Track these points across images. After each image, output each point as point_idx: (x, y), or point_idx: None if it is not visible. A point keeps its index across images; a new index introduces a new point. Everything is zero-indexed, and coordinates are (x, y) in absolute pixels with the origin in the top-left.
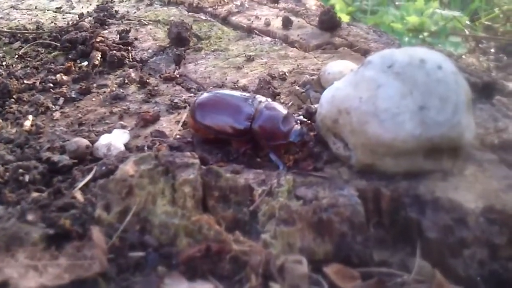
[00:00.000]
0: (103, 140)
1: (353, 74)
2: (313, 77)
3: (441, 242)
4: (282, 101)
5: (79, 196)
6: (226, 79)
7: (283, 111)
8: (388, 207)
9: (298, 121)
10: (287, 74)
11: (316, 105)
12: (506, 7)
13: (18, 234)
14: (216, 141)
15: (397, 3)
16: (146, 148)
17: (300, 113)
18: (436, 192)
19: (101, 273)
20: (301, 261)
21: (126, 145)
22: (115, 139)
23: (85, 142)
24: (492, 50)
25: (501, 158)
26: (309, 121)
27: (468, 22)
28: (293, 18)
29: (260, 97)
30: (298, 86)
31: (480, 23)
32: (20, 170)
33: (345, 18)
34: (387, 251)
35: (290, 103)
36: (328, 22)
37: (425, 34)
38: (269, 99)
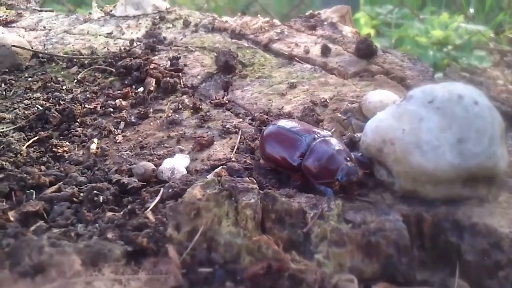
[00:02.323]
0: (167, 164)
1: (396, 107)
2: (354, 104)
3: (478, 264)
4: (325, 127)
5: (150, 216)
6: (271, 105)
7: (335, 148)
8: (430, 231)
9: (349, 159)
10: (328, 101)
11: (359, 134)
12: None
13: (102, 251)
14: (279, 171)
15: (421, 16)
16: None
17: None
18: (473, 217)
19: (176, 286)
20: (353, 280)
21: (186, 168)
22: (177, 163)
23: (151, 166)
24: None
25: None
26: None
27: (492, 36)
28: (330, 45)
29: (319, 132)
30: (340, 114)
31: (504, 36)
32: (95, 191)
33: (370, 31)
34: (428, 272)
35: (333, 129)
36: (365, 50)
37: (450, 47)
38: (328, 134)
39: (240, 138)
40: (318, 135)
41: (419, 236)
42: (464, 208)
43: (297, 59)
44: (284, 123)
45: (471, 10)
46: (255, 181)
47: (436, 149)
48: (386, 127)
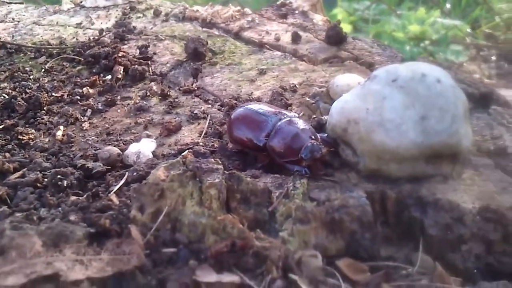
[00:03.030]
0: (133, 148)
1: (360, 87)
2: (322, 89)
3: (442, 238)
4: (293, 111)
5: (114, 199)
6: (241, 91)
7: (300, 127)
8: (393, 207)
9: (313, 138)
10: (297, 86)
11: (326, 116)
12: (506, 15)
13: (64, 232)
14: (246, 153)
15: (398, 12)
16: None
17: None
18: (437, 194)
19: (139, 266)
20: (316, 256)
21: (153, 153)
22: (143, 147)
23: (116, 150)
24: (493, 58)
25: (496, 163)
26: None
27: (469, 31)
28: (301, 33)
29: (284, 113)
30: (308, 98)
31: (481, 31)
32: (58, 176)
33: (347, 27)
34: (392, 247)
35: (301, 113)
36: (335, 37)
37: (427, 42)
38: (294, 115)
39: (209, 123)
40: (284, 116)
41: (383, 212)
42: (428, 185)
43: (268, 46)
44: (251, 105)
45: (448, 5)
46: (220, 162)
47: (399, 127)
48: (351, 107)
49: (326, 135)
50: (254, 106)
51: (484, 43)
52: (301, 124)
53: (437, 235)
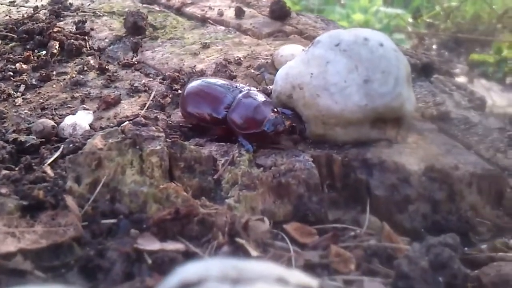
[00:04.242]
0: (68, 120)
1: (304, 53)
2: (267, 60)
3: (388, 199)
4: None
5: (49, 171)
6: (183, 64)
7: (261, 100)
8: (340, 171)
9: (276, 110)
10: (242, 59)
11: (271, 86)
12: (446, 5)
13: None
14: (200, 128)
15: (342, 1)
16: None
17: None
18: (382, 156)
19: (76, 238)
20: (264, 220)
21: (90, 126)
22: (80, 120)
23: (50, 122)
24: (434, 46)
25: (440, 127)
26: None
27: (410, 20)
28: (245, 8)
29: (242, 86)
30: (253, 69)
31: (422, 21)
32: None
33: None
34: (340, 211)
35: (247, 84)
36: (279, 12)
37: None
38: (252, 88)
39: (152, 95)
40: (244, 88)
41: (330, 176)
42: (373, 149)
43: (211, 21)
44: (207, 79)
45: None
46: (162, 130)
47: (343, 90)
48: (295, 73)
49: (290, 111)
50: (210, 79)
51: (425, 31)
52: (261, 97)
53: (383, 196)
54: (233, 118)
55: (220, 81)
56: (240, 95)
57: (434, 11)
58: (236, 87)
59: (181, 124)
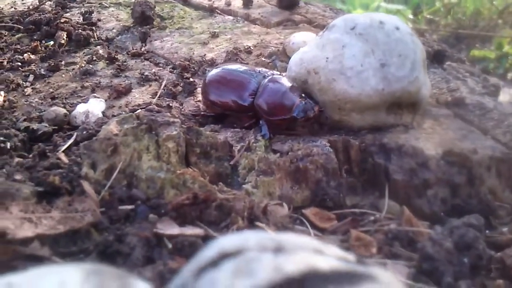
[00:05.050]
0: (80, 108)
1: (318, 38)
2: (278, 49)
3: (407, 183)
4: None
5: (63, 157)
6: (193, 53)
7: (288, 85)
8: (357, 156)
9: (304, 96)
10: (252, 48)
11: (284, 74)
12: (446, 1)
13: (9, 191)
14: (224, 116)
15: None
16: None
17: None
18: (400, 141)
19: (93, 223)
20: (282, 205)
21: (103, 113)
22: (92, 107)
23: (62, 110)
24: (435, 43)
25: (455, 113)
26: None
27: (411, 16)
28: None
29: (265, 71)
30: (264, 58)
31: (422, 17)
32: (1, 138)
33: None
34: (358, 196)
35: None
36: (287, 1)
37: None
38: (274, 72)
39: (163, 84)
40: (268, 73)
41: (347, 161)
42: (390, 134)
43: (219, 11)
44: (228, 66)
45: None
46: (177, 116)
47: (360, 74)
48: (310, 58)
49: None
50: (231, 66)
51: (426, 28)
52: (286, 81)
53: (402, 180)
54: (261, 104)
55: (241, 67)
56: (265, 80)
57: (434, 7)
58: (259, 71)
59: (203, 113)
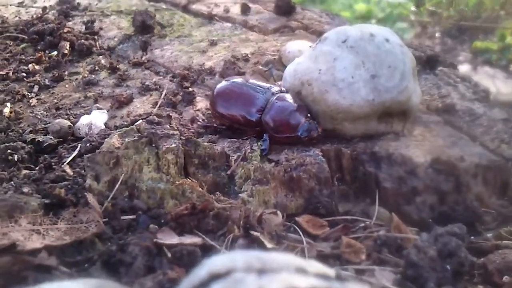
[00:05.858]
0: (84, 120)
1: (311, 50)
2: (274, 57)
3: (396, 191)
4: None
5: (68, 170)
6: (192, 62)
7: (295, 104)
8: (349, 164)
9: (309, 116)
10: (249, 55)
11: (279, 82)
12: None
13: (18, 204)
14: (232, 129)
15: None
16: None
17: None
18: (390, 149)
19: (98, 234)
20: (277, 213)
21: (105, 125)
22: (95, 119)
23: (67, 122)
24: (437, 35)
25: (445, 120)
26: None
27: (413, 9)
28: (250, 4)
29: (274, 88)
30: (261, 66)
31: (424, 9)
32: (8, 151)
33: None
34: (350, 203)
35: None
36: (284, 7)
37: (373, 21)
38: (283, 89)
39: (163, 94)
40: (275, 90)
41: (339, 170)
42: (380, 142)
43: (217, 18)
44: (237, 79)
45: None
46: (176, 128)
47: (351, 85)
48: (304, 69)
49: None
50: (240, 79)
51: (428, 20)
52: (292, 99)
53: (391, 188)
54: (268, 121)
55: (251, 81)
56: (273, 98)
57: None
58: (268, 88)
59: (215, 125)
